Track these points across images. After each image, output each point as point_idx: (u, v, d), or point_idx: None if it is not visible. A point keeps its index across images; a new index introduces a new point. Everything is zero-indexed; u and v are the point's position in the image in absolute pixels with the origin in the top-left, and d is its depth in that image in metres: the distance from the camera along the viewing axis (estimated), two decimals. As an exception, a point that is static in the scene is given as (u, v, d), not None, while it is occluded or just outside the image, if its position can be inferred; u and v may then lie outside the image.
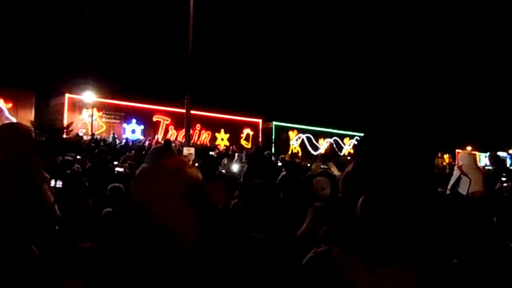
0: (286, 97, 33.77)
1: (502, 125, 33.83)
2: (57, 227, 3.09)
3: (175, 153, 3.64)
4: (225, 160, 10.50)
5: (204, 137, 24.09)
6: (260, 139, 25.99)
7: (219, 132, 24.83)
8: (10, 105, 18.22)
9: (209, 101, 21.90)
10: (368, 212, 1.23)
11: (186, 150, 10.12)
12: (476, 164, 5.65)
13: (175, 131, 23.07)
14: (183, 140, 18.48)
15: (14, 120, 16.38)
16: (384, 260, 1.16)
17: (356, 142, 28.89)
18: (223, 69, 31.86)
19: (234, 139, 25.07)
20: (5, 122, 14.28)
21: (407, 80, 38.83)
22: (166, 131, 23.07)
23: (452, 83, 41.14)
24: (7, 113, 17.89)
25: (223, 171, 8.20)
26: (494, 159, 6.91)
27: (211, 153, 15.58)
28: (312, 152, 27.55)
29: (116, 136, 19.43)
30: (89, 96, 19.35)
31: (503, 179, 6.30)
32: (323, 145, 28.85)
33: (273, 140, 26.30)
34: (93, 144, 15.71)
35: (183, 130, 21.70)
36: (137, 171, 3.46)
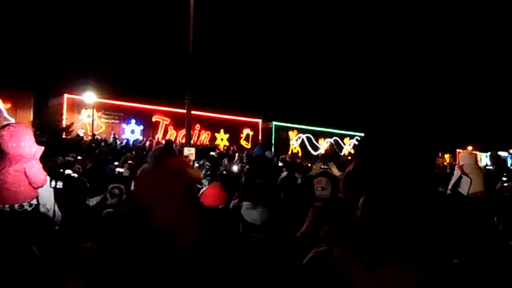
0: (286, 97, 33.81)
1: (503, 125, 33.83)
2: (57, 227, 3.09)
3: (176, 153, 3.65)
4: (225, 160, 10.49)
5: (204, 137, 24.10)
6: (260, 139, 25.97)
7: (218, 132, 24.83)
8: (8, 105, 18.19)
9: (208, 101, 21.90)
10: (368, 212, 1.23)
11: (186, 150, 10.11)
12: (477, 164, 5.64)
13: (174, 131, 23.07)
14: (183, 140, 18.49)
15: (12, 120, 16.37)
16: (384, 260, 1.16)
17: (356, 142, 28.88)
18: (222, 69, 31.92)
19: (234, 139, 25.06)
20: (3, 122, 14.30)
21: (408, 80, 38.81)
22: (166, 131, 23.07)
23: (452, 83, 41.11)
24: (5, 114, 17.86)
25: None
26: (495, 159, 6.91)
27: (211, 153, 15.57)
28: (312, 152, 27.54)
29: (117, 136, 19.44)
30: (88, 96, 19.35)
31: (504, 179, 6.30)
32: (323, 145, 28.84)
33: (273, 140, 26.30)
34: (93, 145, 15.72)
35: (183, 130, 21.70)
36: (138, 171, 3.46)
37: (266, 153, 9.28)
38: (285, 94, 34.19)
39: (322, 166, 4.53)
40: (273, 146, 23.91)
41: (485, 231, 1.86)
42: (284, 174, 5.91)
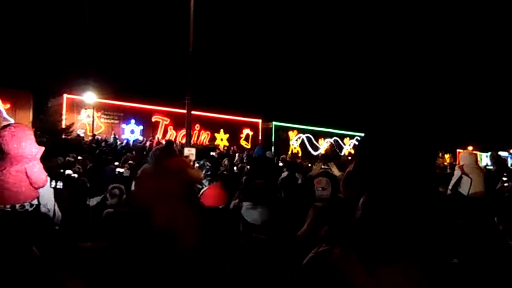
0: (286, 97, 33.79)
1: (503, 125, 33.81)
2: (57, 227, 3.10)
3: (176, 153, 3.65)
4: (225, 161, 10.49)
5: (204, 137, 24.09)
6: (259, 140, 25.97)
7: (218, 132, 24.82)
8: (8, 105, 18.11)
9: (208, 101, 21.89)
10: (368, 212, 1.23)
11: (187, 151, 10.12)
12: (477, 164, 5.64)
13: (174, 131, 23.06)
14: (183, 141, 18.49)
15: (12, 120, 16.34)
16: (384, 260, 1.16)
17: (356, 142, 28.88)
18: (222, 69, 31.91)
19: (234, 139, 25.05)
20: (3, 123, 14.28)
21: (408, 80, 38.82)
22: (165, 132, 23.07)
23: (453, 83, 41.12)
24: (5, 114, 17.81)
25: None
26: (496, 159, 6.91)
27: (212, 153, 15.57)
28: (312, 152, 27.54)
29: (117, 136, 19.45)
30: (88, 96, 19.34)
31: (504, 179, 6.30)
32: (323, 145, 28.84)
33: (273, 140, 26.28)
34: (94, 145, 15.72)
35: (182, 130, 21.68)
36: (139, 171, 3.47)
37: (267, 153, 9.29)
38: (285, 94, 34.21)
39: (323, 166, 4.53)
40: (273, 146, 23.90)
41: (485, 231, 1.86)
42: (285, 174, 5.92)
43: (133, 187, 3.86)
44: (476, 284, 1.60)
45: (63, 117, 19.30)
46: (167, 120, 23.23)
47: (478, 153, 24.78)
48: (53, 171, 4.29)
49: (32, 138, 3.06)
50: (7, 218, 2.81)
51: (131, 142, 19.09)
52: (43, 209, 3.03)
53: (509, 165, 14.48)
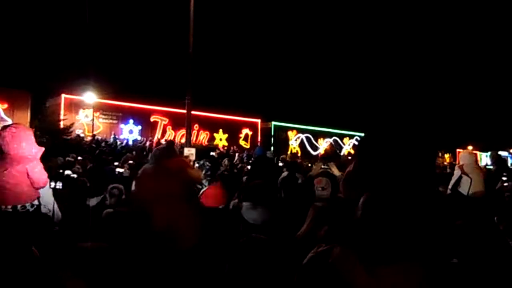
0: (285, 97, 33.78)
1: (503, 125, 33.82)
2: (57, 227, 3.09)
3: (177, 153, 3.65)
4: (225, 161, 10.49)
5: (203, 137, 24.07)
6: (259, 139, 25.96)
7: (217, 132, 24.82)
8: (5, 105, 18.09)
9: (207, 101, 21.86)
10: (368, 212, 1.23)
11: (187, 151, 10.12)
12: (477, 164, 5.65)
13: (173, 131, 23.04)
14: (182, 141, 18.49)
15: (10, 121, 16.32)
16: (384, 260, 1.16)
17: (356, 142, 28.90)
18: (221, 69, 31.86)
19: (233, 139, 25.04)
20: (1, 123, 14.26)
21: (407, 80, 38.84)
22: (164, 132, 23.05)
23: (452, 83, 41.15)
24: (2, 114, 17.76)
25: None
26: (496, 159, 6.91)
27: (211, 153, 15.57)
28: (312, 152, 27.54)
29: (117, 136, 19.44)
30: (87, 96, 19.32)
31: (504, 178, 6.30)
32: (323, 145, 28.84)
33: (272, 140, 26.28)
34: (94, 145, 15.72)
35: (181, 130, 21.68)
36: (140, 171, 3.47)
37: (267, 153, 9.29)
38: (284, 94, 34.19)
39: (322, 166, 4.53)
40: (272, 146, 23.90)
41: (485, 231, 1.86)
42: (285, 174, 5.92)
43: (133, 187, 3.86)
44: (476, 284, 1.60)
45: (61, 116, 19.23)
46: (165, 120, 23.21)
47: (478, 152, 24.80)
48: (52, 171, 4.29)
49: (32, 139, 3.06)
50: (8, 219, 2.81)
51: (130, 142, 19.08)
52: (43, 210, 3.04)
53: (509, 164, 14.50)
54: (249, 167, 9.12)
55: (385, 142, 1.30)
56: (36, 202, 2.98)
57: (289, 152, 21.63)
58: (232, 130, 25.46)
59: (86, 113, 20.47)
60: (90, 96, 19.40)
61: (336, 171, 4.31)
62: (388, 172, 1.26)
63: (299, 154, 24.66)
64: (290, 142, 27.75)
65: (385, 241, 1.17)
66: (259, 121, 27.16)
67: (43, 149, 3.11)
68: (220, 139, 24.65)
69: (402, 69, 39.50)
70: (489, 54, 44.51)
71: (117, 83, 22.55)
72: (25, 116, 17.90)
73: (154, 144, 16.13)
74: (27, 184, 2.92)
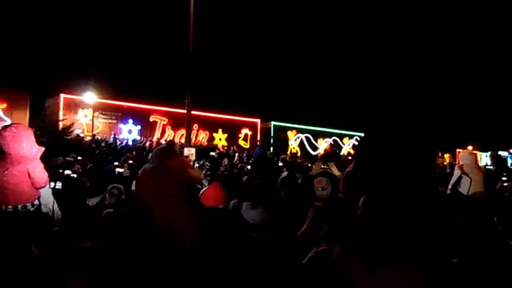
0: (285, 96, 33.77)
1: (503, 125, 33.82)
2: (57, 228, 3.10)
3: (177, 154, 3.65)
4: (225, 161, 10.49)
5: (202, 137, 24.06)
6: (258, 139, 25.96)
7: (216, 132, 24.80)
8: (4, 105, 18.05)
9: (207, 101, 21.84)
10: (368, 212, 1.23)
11: (187, 151, 10.12)
12: (477, 164, 5.65)
13: (172, 131, 23.02)
14: (181, 140, 18.47)
15: (8, 120, 16.31)
16: (384, 260, 1.16)
17: (355, 142, 28.90)
18: (221, 69, 31.84)
19: (232, 139, 25.04)
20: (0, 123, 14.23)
21: (407, 80, 38.85)
22: (163, 131, 23.03)
23: (452, 83, 41.16)
24: (1, 114, 17.75)
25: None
26: (496, 159, 6.91)
27: (211, 153, 15.57)
28: (311, 152, 27.54)
29: (117, 136, 19.43)
30: (87, 96, 19.31)
31: (504, 178, 6.30)
32: (322, 145, 28.84)
33: (272, 140, 26.27)
34: (94, 145, 15.71)
35: (181, 130, 21.66)
36: (140, 171, 3.46)
37: (267, 153, 9.28)
38: (284, 94, 34.17)
39: (322, 166, 4.53)
40: (272, 146, 23.90)
41: (485, 231, 1.87)
42: (285, 174, 5.92)
43: (133, 187, 3.86)
44: (476, 284, 1.60)
45: (60, 116, 19.18)
46: (165, 120, 23.19)
47: (478, 152, 24.80)
48: (52, 171, 4.29)
49: (32, 138, 3.06)
50: (9, 219, 2.81)
51: (130, 142, 19.07)
52: (44, 209, 3.04)
53: (509, 164, 14.50)
54: (249, 167, 9.12)
55: (385, 142, 1.30)
56: (36, 202, 2.99)
57: (288, 152, 21.62)
58: (232, 130, 25.45)
59: (85, 113, 20.45)
60: (89, 96, 19.38)
61: (336, 171, 4.31)
62: (388, 172, 1.26)
63: (298, 154, 24.65)
64: (290, 142, 27.75)
65: (385, 241, 1.17)
66: (258, 121, 27.15)
67: (43, 149, 3.11)
68: (220, 139, 24.64)
69: (402, 69, 39.50)
70: (489, 54, 44.52)
71: (117, 83, 22.53)
72: (24, 116, 17.87)
73: (154, 144, 16.12)
74: (28, 184, 2.92)
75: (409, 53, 42.85)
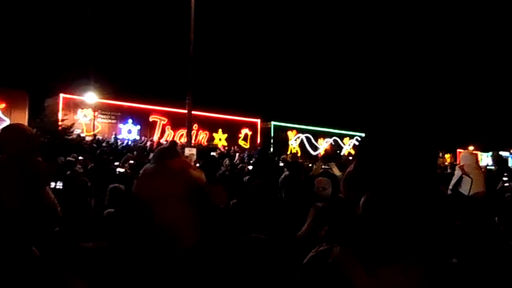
0: (285, 96, 33.75)
1: (504, 125, 33.76)
2: (57, 228, 3.10)
3: (180, 154, 3.64)
4: (226, 161, 10.50)
5: (202, 137, 24.04)
6: (258, 139, 25.95)
7: (216, 132, 24.78)
8: (3, 105, 17.99)
9: (207, 101, 21.80)
10: (369, 212, 1.23)
11: (188, 151, 10.14)
12: (478, 164, 5.65)
13: (172, 131, 23.00)
14: (181, 140, 18.47)
15: (8, 120, 16.30)
16: (384, 260, 1.16)
17: (356, 142, 28.87)
18: (221, 69, 31.82)
19: (232, 139, 25.02)
20: (-1, 123, 14.20)
21: (408, 80, 38.82)
22: (163, 131, 23.01)
23: (453, 83, 41.12)
24: (0, 114, 17.77)
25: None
26: (497, 159, 6.90)
27: (212, 153, 15.58)
28: (312, 152, 27.53)
29: (117, 136, 19.43)
30: (87, 96, 19.31)
31: (505, 179, 6.30)
32: (323, 145, 28.83)
33: (272, 140, 26.25)
34: (95, 145, 15.73)
35: (180, 130, 21.64)
36: (141, 171, 3.46)
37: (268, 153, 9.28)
38: (284, 94, 34.16)
39: (323, 166, 4.54)
40: (272, 146, 23.89)
41: (485, 231, 1.86)
42: (286, 174, 5.92)
43: (134, 187, 3.86)
44: (476, 284, 1.60)
45: (59, 116, 19.15)
46: (164, 120, 23.17)
47: (479, 153, 24.78)
48: (53, 172, 4.29)
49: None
50: (9, 219, 2.81)
51: (130, 142, 19.07)
52: (42, 210, 3.03)
53: (510, 165, 14.48)
54: (250, 167, 9.13)
55: (386, 142, 1.30)
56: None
57: (289, 152, 21.63)
58: (232, 130, 25.44)
59: (84, 112, 20.44)
60: (89, 96, 19.37)
61: (336, 171, 4.32)
62: (388, 172, 1.26)
63: (299, 154, 24.65)
64: (290, 142, 27.73)
65: (386, 241, 1.17)
66: (258, 121, 27.13)
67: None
68: (220, 139, 24.63)
69: (403, 69, 39.48)
70: (490, 54, 44.48)
71: (116, 83, 22.50)
72: (23, 116, 17.81)
73: (155, 144, 16.13)
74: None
75: (410, 53, 42.84)
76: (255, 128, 27.04)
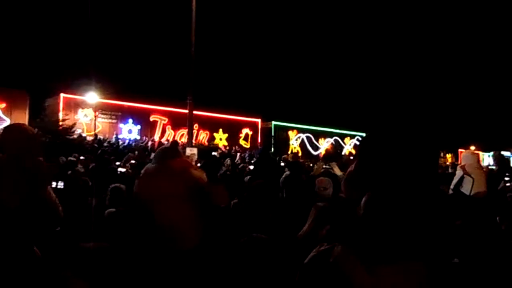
0: (286, 96, 33.73)
1: (506, 125, 33.68)
2: (59, 228, 3.10)
3: (181, 154, 3.64)
4: (228, 161, 10.51)
5: (202, 137, 24.02)
6: (259, 139, 25.94)
7: (217, 132, 24.76)
8: (3, 105, 17.98)
9: (207, 100, 21.78)
10: (370, 212, 1.23)
11: (189, 151, 10.14)
12: (479, 164, 5.64)
13: (172, 131, 22.99)
14: (181, 140, 18.48)
15: (8, 120, 16.31)
16: (385, 259, 1.16)
17: (357, 142, 28.84)
18: (221, 69, 31.81)
19: (233, 139, 25.00)
20: (-1, 123, 14.20)
21: (409, 80, 38.77)
22: (163, 131, 23.00)
23: (454, 83, 41.06)
24: (1, 114, 17.79)
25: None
26: (498, 159, 6.89)
27: (213, 153, 15.58)
28: (312, 152, 27.50)
29: (118, 136, 19.45)
30: (88, 96, 19.31)
31: (506, 178, 6.28)
32: (324, 145, 28.81)
33: (273, 140, 26.23)
34: (96, 145, 15.75)
35: (181, 130, 21.63)
36: (142, 171, 3.46)
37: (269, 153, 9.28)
38: (285, 94, 34.13)
39: (324, 166, 4.54)
40: (272, 146, 23.87)
41: (487, 231, 1.86)
42: (287, 173, 5.92)
43: (135, 187, 3.86)
44: (477, 284, 1.60)
45: (60, 116, 19.14)
46: (165, 120, 23.17)
47: (480, 152, 24.69)
48: (54, 171, 4.30)
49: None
50: (10, 219, 2.81)
51: (131, 142, 19.09)
52: (43, 210, 3.03)
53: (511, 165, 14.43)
54: (251, 167, 9.13)
55: (387, 141, 1.30)
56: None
57: (289, 152, 21.62)
58: (232, 130, 25.43)
59: (85, 112, 20.45)
60: (90, 96, 19.38)
61: (337, 171, 4.31)
62: (390, 172, 1.26)
63: (299, 154, 24.64)
64: (291, 142, 27.71)
65: (387, 240, 1.17)
66: (259, 120, 27.12)
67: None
68: (220, 139, 24.63)
69: (404, 69, 39.43)
70: (491, 54, 44.40)
71: (117, 83, 22.49)
72: (24, 116, 17.81)
73: (156, 144, 16.14)
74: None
75: (411, 53, 42.78)
76: (256, 128, 27.03)
